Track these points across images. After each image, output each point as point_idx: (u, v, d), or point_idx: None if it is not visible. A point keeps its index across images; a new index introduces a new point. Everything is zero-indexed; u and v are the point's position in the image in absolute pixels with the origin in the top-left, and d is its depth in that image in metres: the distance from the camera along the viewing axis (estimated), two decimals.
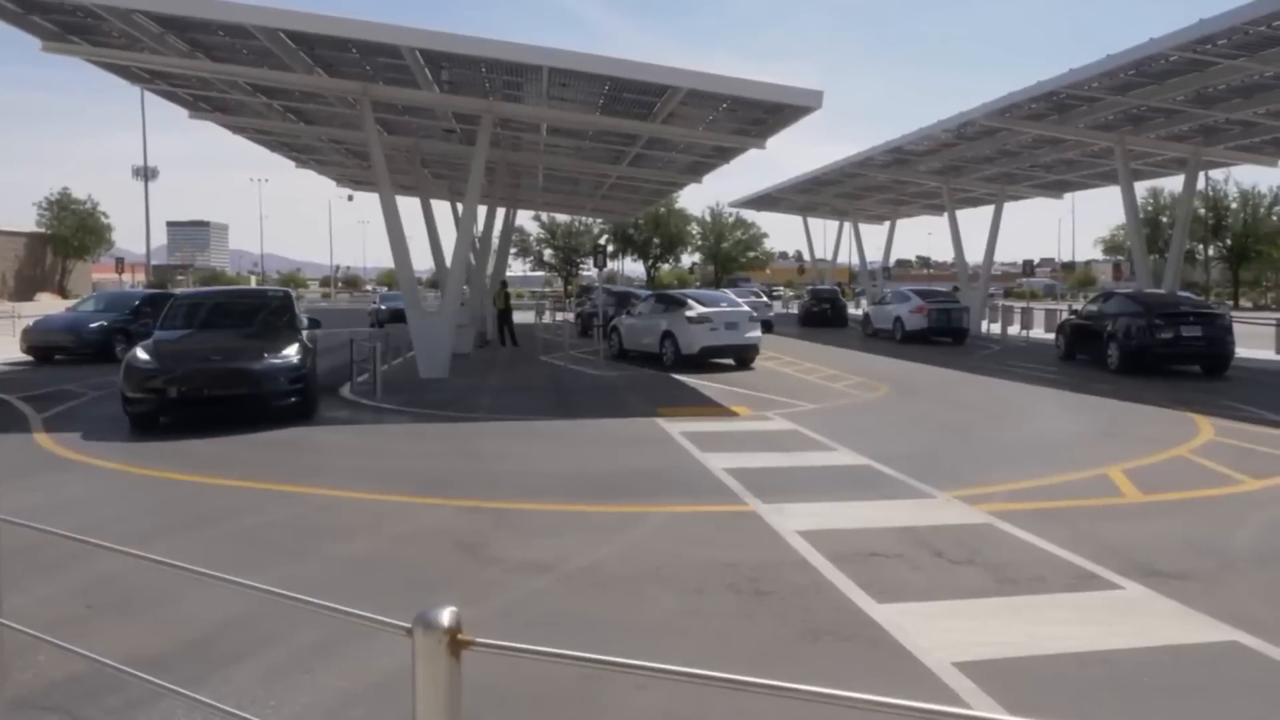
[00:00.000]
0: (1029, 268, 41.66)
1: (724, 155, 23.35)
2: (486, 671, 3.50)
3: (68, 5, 13.91)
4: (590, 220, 70.75)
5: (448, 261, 21.34)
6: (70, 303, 32.95)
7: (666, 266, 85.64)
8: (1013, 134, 24.69)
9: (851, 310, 40.04)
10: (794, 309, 47.10)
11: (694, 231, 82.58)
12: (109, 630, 4.66)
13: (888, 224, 48.40)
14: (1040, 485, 8.04)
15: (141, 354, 11.33)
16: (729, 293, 25.16)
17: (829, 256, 57.15)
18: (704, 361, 18.30)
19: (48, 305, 43.43)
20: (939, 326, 26.13)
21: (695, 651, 4.39)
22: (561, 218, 72.76)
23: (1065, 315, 23.70)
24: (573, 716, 3.77)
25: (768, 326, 26.49)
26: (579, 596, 5.22)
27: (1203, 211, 55.65)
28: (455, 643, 1.77)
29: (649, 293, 26.65)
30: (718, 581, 5.41)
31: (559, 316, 38.89)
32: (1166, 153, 25.19)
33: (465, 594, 5.13)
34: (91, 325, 20.04)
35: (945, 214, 35.48)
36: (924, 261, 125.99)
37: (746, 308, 20.16)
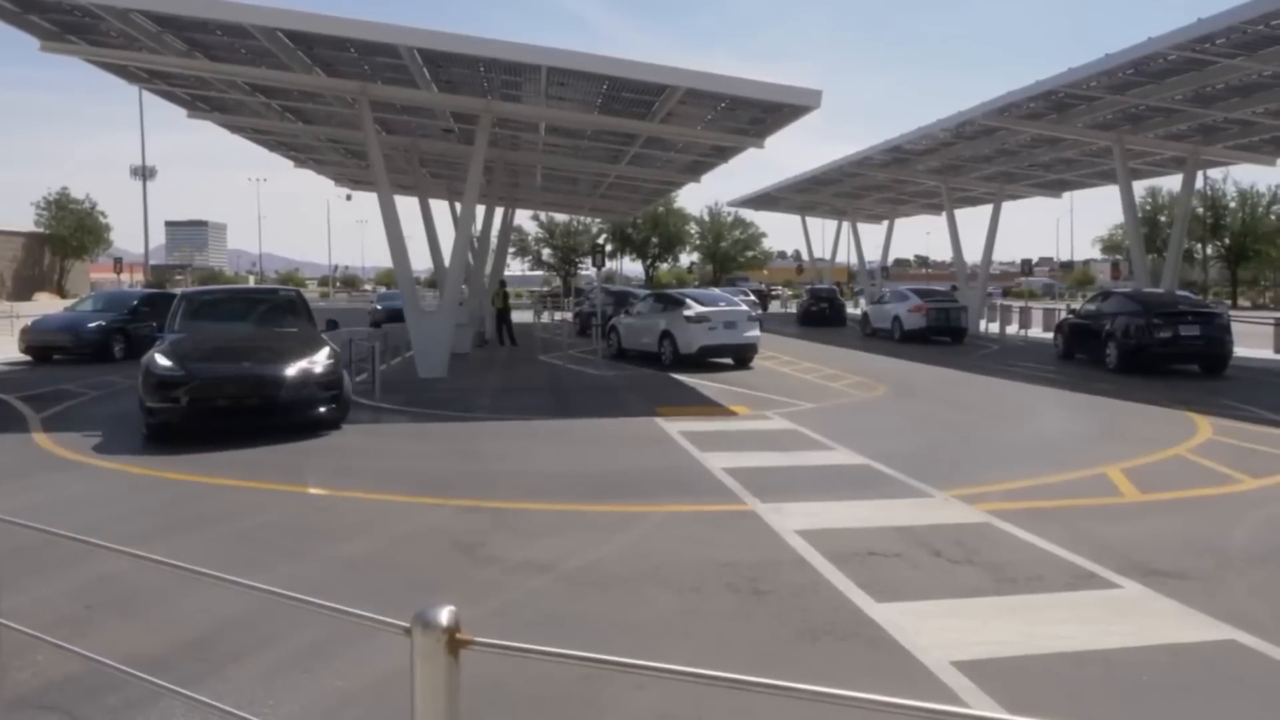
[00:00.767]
0: (1027, 267, 41.68)
1: (723, 155, 23.35)
2: (485, 671, 3.50)
3: (66, 4, 13.90)
4: (589, 219, 70.74)
5: (446, 261, 21.33)
6: (68, 302, 32.93)
7: (665, 266, 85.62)
8: (1011, 133, 24.70)
9: (850, 310, 40.03)
10: (792, 308, 47.13)
11: (692, 231, 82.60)
12: (108, 630, 4.66)
13: (886, 223, 48.41)
14: (1038, 484, 8.05)
15: (163, 359, 10.22)
16: (716, 291, 25.09)
17: (827, 256, 57.21)
18: (702, 361, 18.30)
19: (46, 305, 43.36)
20: (937, 326, 26.14)
21: (694, 651, 4.39)
22: (560, 217, 72.76)
23: (1064, 314, 23.73)
24: (571, 716, 3.77)
25: None
26: (577, 596, 5.22)
27: (1201, 211, 55.67)
28: (454, 642, 1.78)
29: (647, 292, 26.64)
30: (716, 581, 5.41)
31: (557, 316, 38.89)
32: (1165, 152, 25.20)
33: (463, 594, 5.13)
34: (90, 325, 20.03)
35: (944, 213, 35.49)
36: (922, 261, 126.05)
37: (745, 307, 20.16)
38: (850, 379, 16.65)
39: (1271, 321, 23.38)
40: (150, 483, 8.20)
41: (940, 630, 4.64)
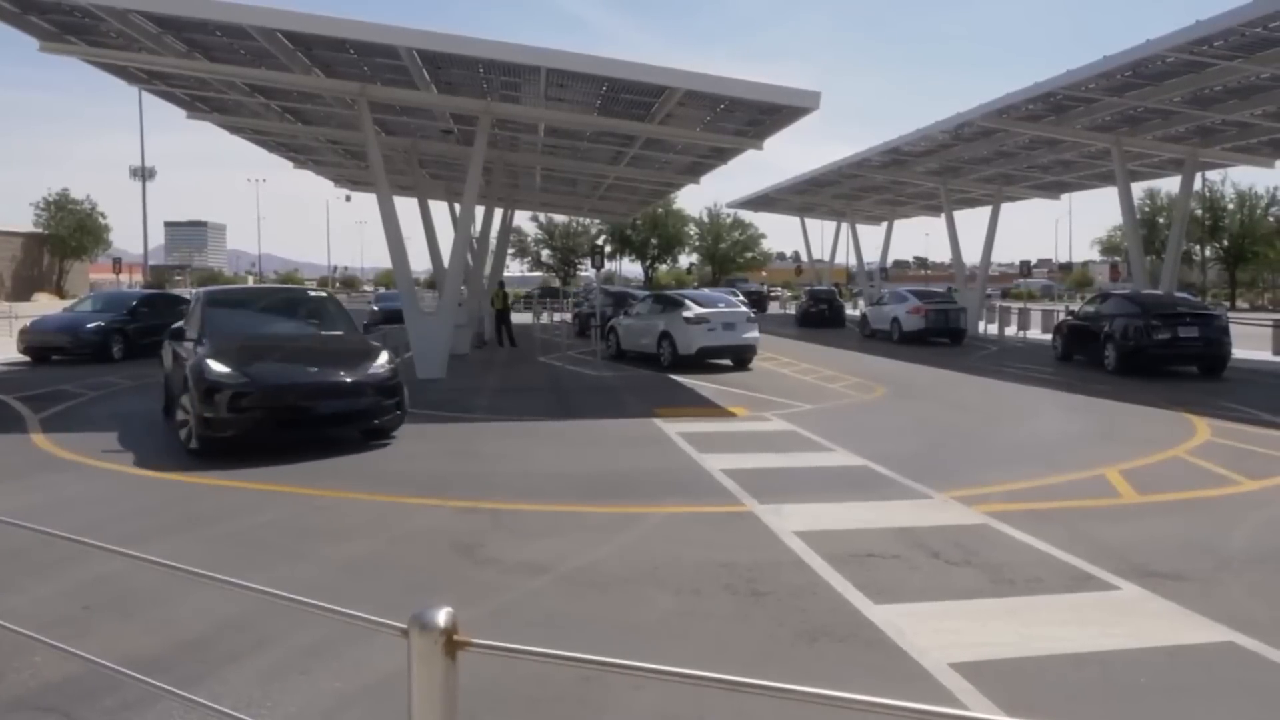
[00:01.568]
0: (1026, 268, 41.69)
1: (722, 156, 23.36)
2: (483, 672, 3.50)
3: (65, 5, 13.90)
4: (588, 221, 70.75)
5: (445, 262, 21.33)
6: (67, 303, 32.91)
7: (664, 267, 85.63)
8: (1010, 135, 24.71)
9: (849, 311, 40.04)
10: (791, 309, 47.13)
11: (692, 232, 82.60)
12: (106, 631, 4.65)
13: (885, 225, 48.41)
14: (1037, 486, 8.05)
15: (218, 365, 9.28)
16: (715, 293, 25.02)
17: (826, 257, 57.17)
18: (701, 362, 18.30)
19: (45, 305, 43.34)
20: (936, 327, 26.15)
21: (692, 652, 4.39)
22: (559, 218, 72.80)
23: (1062, 316, 23.73)
24: (569, 717, 3.77)
25: None
26: (576, 597, 5.22)
27: (1199, 212, 55.69)
28: (451, 644, 1.78)
29: (646, 293, 26.63)
30: (715, 582, 5.41)
31: (556, 316, 38.87)
32: (1163, 154, 25.22)
33: (462, 595, 5.13)
34: (89, 326, 20.01)
35: (943, 215, 35.50)
36: (921, 262, 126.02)
37: (744, 308, 20.16)
38: (849, 380, 16.65)
39: (1270, 323, 23.40)
40: (148, 483, 8.19)
41: (938, 631, 4.64)
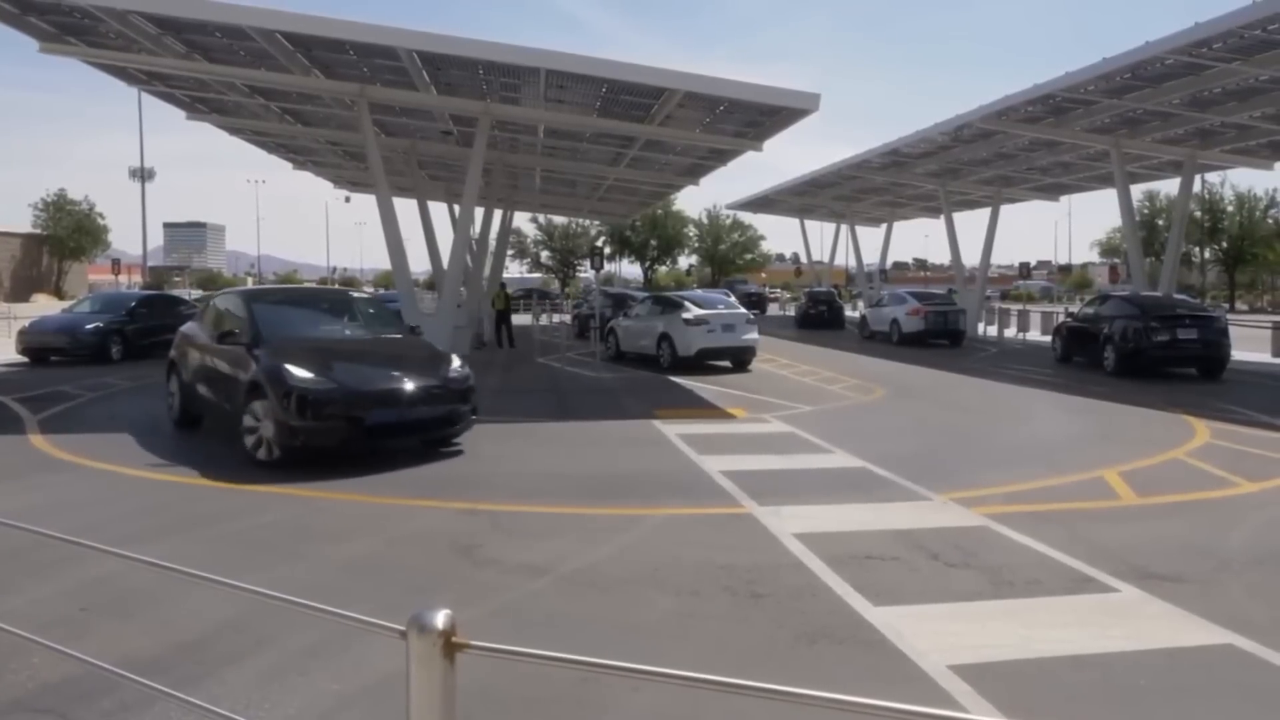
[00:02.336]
0: (1025, 270, 41.75)
1: (721, 157, 23.39)
2: (481, 674, 3.49)
3: (65, 6, 13.91)
4: (587, 222, 70.80)
5: (444, 263, 21.33)
6: (66, 304, 32.90)
7: (664, 268, 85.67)
8: (1009, 137, 24.74)
9: (848, 312, 40.06)
10: (791, 311, 47.14)
11: (691, 233, 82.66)
12: (103, 632, 4.64)
13: (884, 226, 48.46)
14: (1036, 488, 8.05)
15: (299, 370, 8.72)
16: (713, 294, 24.95)
17: (826, 258, 57.21)
18: (701, 363, 18.30)
19: (44, 306, 43.37)
20: (936, 329, 26.16)
21: (692, 653, 4.39)
22: (559, 219, 72.81)
23: (1062, 318, 23.75)
24: (568, 718, 3.76)
25: None
26: (575, 599, 5.21)
27: (1199, 214, 55.73)
28: (450, 645, 1.77)
29: (646, 294, 26.63)
30: (714, 584, 5.41)
31: (556, 318, 38.87)
32: (1162, 156, 25.26)
33: (460, 596, 5.13)
34: (87, 327, 20.00)
35: (942, 216, 35.53)
36: (921, 264, 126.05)
37: (743, 310, 20.16)
38: (848, 381, 16.65)
39: (1269, 325, 23.42)
40: (146, 484, 8.18)
41: (938, 633, 4.63)
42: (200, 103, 21.27)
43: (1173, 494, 7.86)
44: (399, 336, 10.88)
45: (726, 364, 18.83)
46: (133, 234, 65.95)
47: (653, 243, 79.91)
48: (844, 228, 50.99)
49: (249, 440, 8.87)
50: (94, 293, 34.86)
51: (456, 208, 25.81)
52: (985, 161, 29.06)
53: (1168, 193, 58.41)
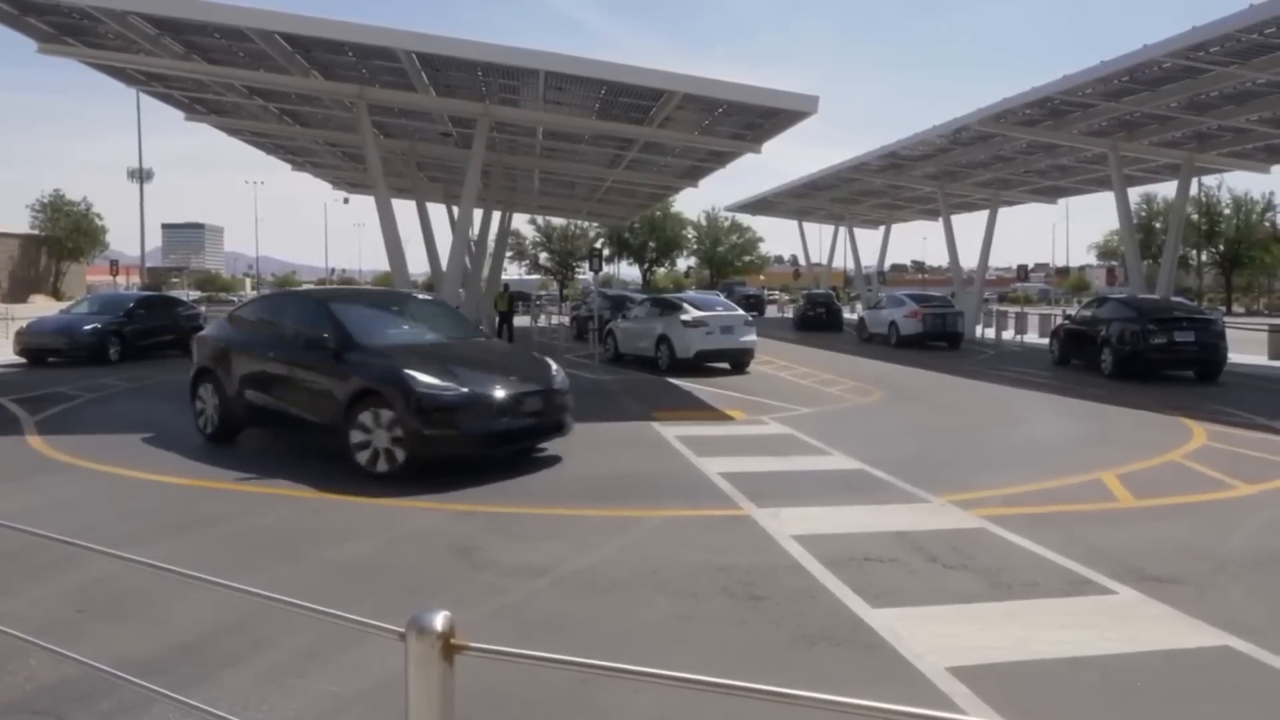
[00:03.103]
0: (1023, 273, 41.73)
1: (720, 159, 23.41)
2: (480, 676, 3.49)
3: (63, 7, 13.90)
4: (586, 223, 70.80)
5: (443, 264, 21.32)
6: (64, 305, 32.86)
7: (662, 270, 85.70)
8: (1007, 139, 24.75)
9: (847, 315, 40.07)
10: (789, 313, 47.16)
11: (690, 235, 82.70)
12: (101, 634, 4.64)
13: (883, 228, 48.45)
14: (1034, 490, 8.05)
15: (428, 377, 8.26)
16: (709, 295, 24.98)
17: (824, 260, 57.25)
18: (699, 365, 18.30)
19: (42, 307, 43.31)
20: (934, 331, 26.17)
21: (690, 655, 4.39)
22: (558, 221, 72.80)
23: (1059, 320, 23.78)
24: None
25: None
26: (573, 600, 5.21)
27: (1196, 217, 55.83)
28: (448, 647, 1.77)
29: (644, 296, 26.64)
30: (712, 586, 5.41)
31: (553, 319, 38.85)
32: (1160, 159, 25.29)
33: (459, 598, 5.13)
34: (85, 328, 19.97)
35: (940, 219, 35.55)
36: (919, 266, 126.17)
37: (741, 312, 20.17)
38: (846, 384, 16.66)
39: (1266, 327, 23.45)
40: (144, 485, 8.17)
41: (936, 635, 4.64)
42: (199, 103, 21.26)
43: (1170, 496, 7.87)
44: (488, 339, 10.42)
45: (725, 366, 18.84)
46: (131, 235, 66.05)
47: (651, 245, 79.95)
48: (842, 230, 51.03)
49: (362, 456, 8.30)
50: (92, 294, 34.81)
51: (455, 209, 25.82)
52: (983, 164, 29.08)
53: (1165, 196, 58.50)
